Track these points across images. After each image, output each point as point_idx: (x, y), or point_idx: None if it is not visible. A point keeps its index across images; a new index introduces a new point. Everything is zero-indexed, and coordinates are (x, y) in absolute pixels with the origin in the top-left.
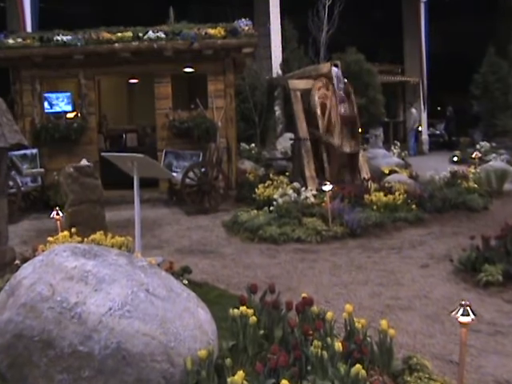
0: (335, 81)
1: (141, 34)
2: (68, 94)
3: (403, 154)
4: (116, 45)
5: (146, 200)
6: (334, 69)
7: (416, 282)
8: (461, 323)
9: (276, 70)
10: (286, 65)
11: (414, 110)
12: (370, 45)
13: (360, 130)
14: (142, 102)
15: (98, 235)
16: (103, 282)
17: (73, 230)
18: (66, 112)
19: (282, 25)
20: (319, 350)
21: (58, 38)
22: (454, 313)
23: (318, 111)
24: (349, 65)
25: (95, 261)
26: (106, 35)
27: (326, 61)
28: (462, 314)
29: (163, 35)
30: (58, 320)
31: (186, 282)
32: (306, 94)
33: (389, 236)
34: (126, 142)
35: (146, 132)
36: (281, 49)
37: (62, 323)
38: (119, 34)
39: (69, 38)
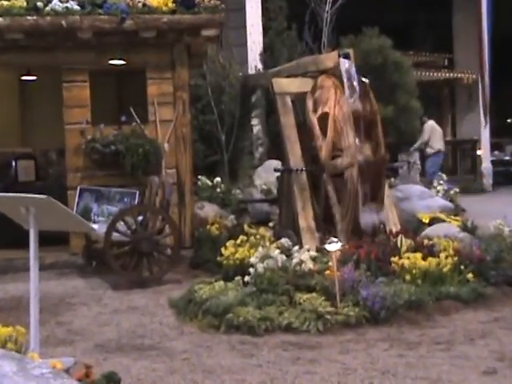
0: (345, 79)
1: (40, 4)
2: None
3: (452, 191)
4: (0, 20)
5: (48, 266)
6: (344, 61)
7: None
8: None
9: (254, 62)
10: (269, 55)
11: None
12: (401, 23)
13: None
14: (43, 112)
15: None
16: None
17: None
18: None
19: None
20: None
21: None
22: None
23: (317, 129)
24: (367, 55)
25: None
26: None
27: (331, 49)
28: None
29: (76, 7)
30: None
31: None
32: (301, 101)
33: (431, 323)
34: (17, 173)
35: (48, 159)
36: (261, 30)
37: None
38: (5, 3)
39: None
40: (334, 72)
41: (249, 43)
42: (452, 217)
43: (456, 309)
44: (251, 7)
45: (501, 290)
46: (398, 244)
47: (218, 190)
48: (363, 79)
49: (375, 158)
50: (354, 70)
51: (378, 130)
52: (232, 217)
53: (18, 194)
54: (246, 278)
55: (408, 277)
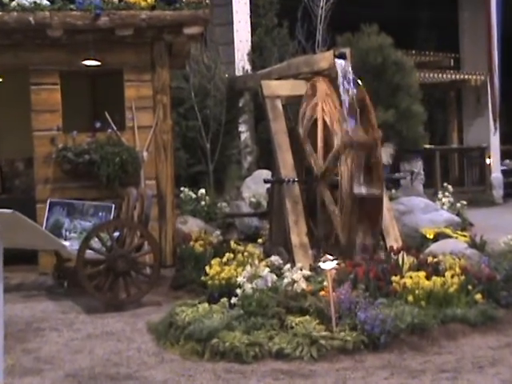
0: (341, 82)
1: None
2: None
3: (459, 204)
4: None
5: (14, 287)
6: (340, 62)
7: None
8: None
9: (242, 63)
10: (258, 55)
11: None
12: (403, 20)
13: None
14: (9, 117)
15: None
16: None
17: None
18: None
19: None
20: None
21: None
22: None
23: (309, 145)
24: (366, 54)
25: None
26: None
27: (325, 48)
28: None
29: (46, 2)
30: None
31: None
32: (293, 105)
33: (436, 348)
34: None
35: (15, 169)
36: (250, 27)
37: None
38: None
39: None
40: (330, 73)
41: (236, 42)
42: (459, 232)
43: (463, 333)
44: (238, 2)
45: None
46: (400, 262)
47: (203, 202)
48: (358, 81)
49: (368, 138)
50: (350, 70)
51: (371, 114)
52: (217, 232)
53: None
54: (233, 300)
55: (410, 298)
